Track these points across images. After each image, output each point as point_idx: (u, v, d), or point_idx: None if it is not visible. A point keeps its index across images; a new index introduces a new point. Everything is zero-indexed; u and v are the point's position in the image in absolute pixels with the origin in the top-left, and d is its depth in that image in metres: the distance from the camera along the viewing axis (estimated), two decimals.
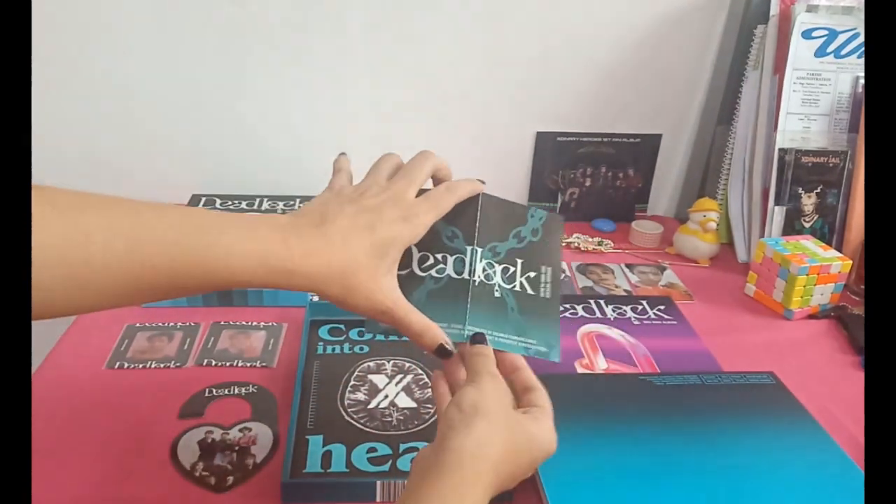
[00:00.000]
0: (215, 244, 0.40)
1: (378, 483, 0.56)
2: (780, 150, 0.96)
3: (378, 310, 0.47)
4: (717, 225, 0.99)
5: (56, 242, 0.34)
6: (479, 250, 0.54)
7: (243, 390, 0.69)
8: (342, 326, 0.79)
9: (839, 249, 0.94)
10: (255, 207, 1.04)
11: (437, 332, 0.49)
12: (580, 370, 0.72)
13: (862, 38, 0.96)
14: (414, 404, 0.66)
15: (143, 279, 0.38)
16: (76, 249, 0.35)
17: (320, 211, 0.47)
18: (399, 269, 0.49)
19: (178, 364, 0.72)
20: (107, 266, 0.37)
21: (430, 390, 0.68)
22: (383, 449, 0.60)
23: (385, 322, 0.48)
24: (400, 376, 0.71)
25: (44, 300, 0.34)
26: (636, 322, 0.82)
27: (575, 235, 1.07)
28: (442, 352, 0.49)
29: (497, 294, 0.54)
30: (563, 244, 1.05)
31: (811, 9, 0.95)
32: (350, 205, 0.47)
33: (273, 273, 0.42)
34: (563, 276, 0.96)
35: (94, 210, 0.37)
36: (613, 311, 0.84)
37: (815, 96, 0.97)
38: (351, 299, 0.45)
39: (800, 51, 0.95)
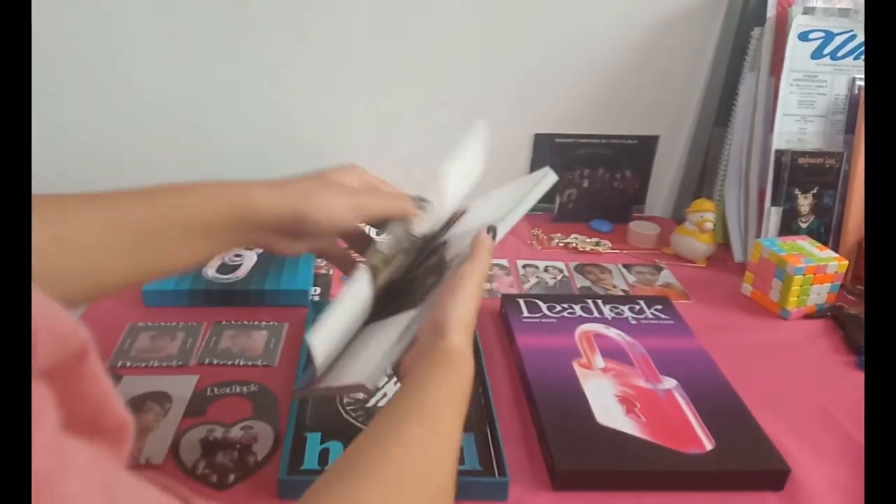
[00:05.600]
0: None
1: None
2: (777, 151, 0.97)
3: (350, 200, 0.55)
4: (714, 225, 1.00)
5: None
6: None
7: (245, 389, 0.69)
8: None
9: (835, 250, 0.94)
10: None
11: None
12: (578, 370, 0.72)
13: (858, 41, 0.97)
14: None
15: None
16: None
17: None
18: None
19: (180, 363, 0.73)
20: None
21: None
22: None
23: (355, 213, 0.56)
24: None
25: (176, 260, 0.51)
26: (633, 322, 0.82)
27: (573, 236, 1.07)
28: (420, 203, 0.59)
29: None
30: (558, 244, 1.06)
31: (808, 11, 0.96)
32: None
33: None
34: (561, 276, 0.96)
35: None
36: (611, 310, 0.84)
37: (811, 98, 0.98)
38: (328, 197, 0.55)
39: (796, 52, 0.96)
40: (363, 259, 0.58)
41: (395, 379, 0.70)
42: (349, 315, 0.55)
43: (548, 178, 0.63)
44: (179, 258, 0.52)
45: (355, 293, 0.55)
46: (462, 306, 0.51)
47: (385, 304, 0.58)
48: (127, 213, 0.49)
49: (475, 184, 0.68)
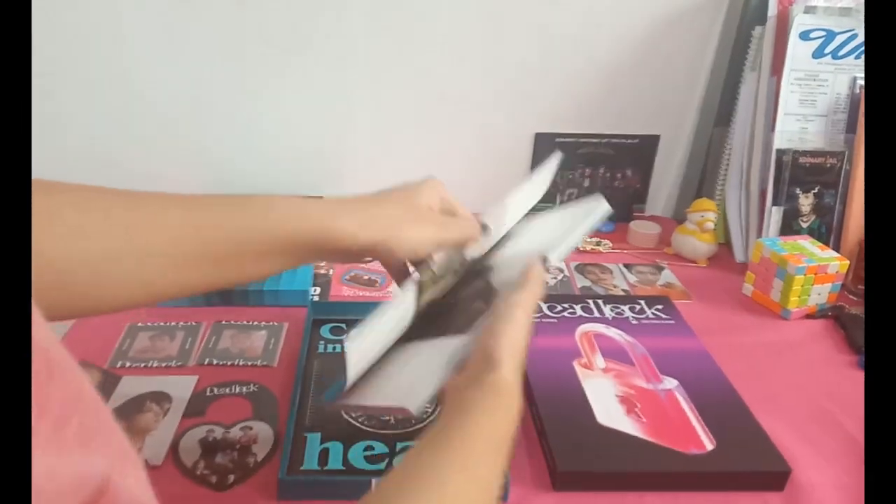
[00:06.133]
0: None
1: (374, 481, 0.56)
2: (778, 150, 0.96)
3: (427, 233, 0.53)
4: (715, 225, 1.00)
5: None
6: None
7: (244, 389, 0.69)
8: (344, 325, 0.79)
9: (836, 249, 0.94)
10: None
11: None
12: (579, 370, 0.72)
13: (859, 40, 0.96)
14: None
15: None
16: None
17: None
18: None
19: (179, 363, 0.73)
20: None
21: None
22: (380, 447, 0.61)
23: (435, 240, 0.54)
24: None
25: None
26: (634, 322, 0.82)
27: None
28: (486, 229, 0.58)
29: None
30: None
31: (809, 10, 0.95)
32: None
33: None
34: (562, 276, 0.96)
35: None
36: (612, 310, 0.84)
37: (812, 97, 0.98)
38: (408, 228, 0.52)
39: (797, 52, 0.96)
40: (415, 273, 0.56)
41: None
42: (389, 328, 0.54)
43: (601, 207, 0.62)
44: (248, 273, 0.50)
45: (400, 306, 0.53)
46: (513, 336, 0.48)
47: (425, 324, 0.57)
48: (201, 225, 0.47)
49: (530, 207, 0.67)
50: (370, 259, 0.56)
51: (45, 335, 0.24)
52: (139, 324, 0.79)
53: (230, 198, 0.50)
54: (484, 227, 0.58)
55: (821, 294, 0.88)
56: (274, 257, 0.50)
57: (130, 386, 0.68)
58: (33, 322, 0.23)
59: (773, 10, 0.98)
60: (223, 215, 0.48)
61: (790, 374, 0.77)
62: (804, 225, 0.99)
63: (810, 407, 0.72)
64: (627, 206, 1.16)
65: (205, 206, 0.49)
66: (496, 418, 0.44)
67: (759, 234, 0.99)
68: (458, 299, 0.58)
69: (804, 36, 0.96)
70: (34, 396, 0.21)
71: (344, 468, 0.59)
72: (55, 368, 0.23)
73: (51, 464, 0.21)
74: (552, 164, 0.66)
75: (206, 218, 0.48)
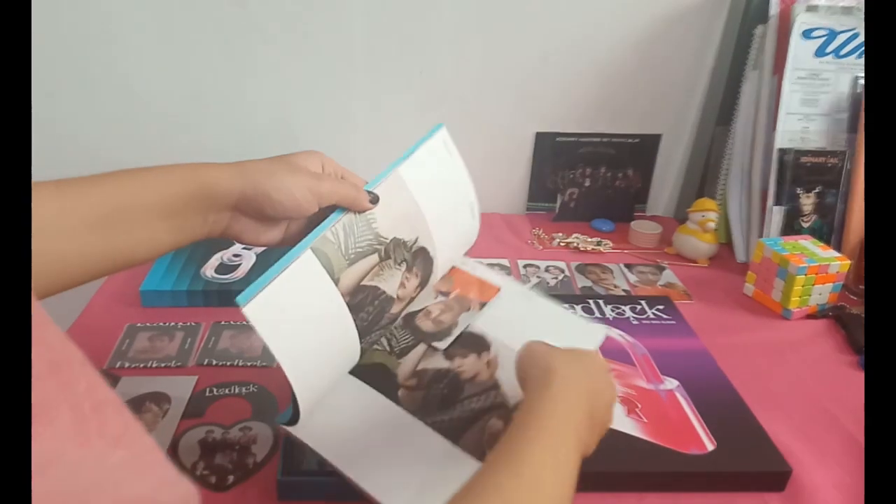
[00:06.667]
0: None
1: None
2: (780, 150, 0.96)
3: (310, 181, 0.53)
4: (716, 225, 0.99)
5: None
6: None
7: (244, 390, 0.69)
8: None
9: (838, 249, 0.94)
10: None
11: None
12: None
13: (861, 39, 0.96)
14: None
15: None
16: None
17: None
18: None
19: (178, 364, 0.73)
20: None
21: None
22: None
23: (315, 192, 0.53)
24: None
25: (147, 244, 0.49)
26: (635, 322, 0.82)
27: (574, 235, 1.07)
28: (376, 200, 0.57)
29: None
30: (559, 244, 1.05)
31: (811, 9, 0.95)
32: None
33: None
34: (562, 276, 0.96)
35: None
36: (612, 310, 0.84)
37: (814, 96, 0.98)
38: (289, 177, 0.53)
39: (799, 51, 0.96)
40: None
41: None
42: (306, 302, 0.51)
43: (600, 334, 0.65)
44: (141, 243, 0.50)
45: (302, 270, 0.50)
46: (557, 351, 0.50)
47: (420, 394, 0.56)
48: (82, 198, 0.48)
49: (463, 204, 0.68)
50: (274, 244, 0.55)
51: (51, 331, 0.24)
52: (138, 324, 0.79)
53: (106, 172, 0.51)
54: (373, 197, 0.57)
55: (822, 294, 0.88)
56: (158, 218, 0.50)
57: (129, 386, 0.68)
58: (40, 323, 0.23)
59: (774, 8, 0.97)
60: (97, 186, 0.49)
61: (791, 375, 0.77)
62: (805, 225, 0.98)
63: (811, 407, 0.71)
64: (628, 205, 1.16)
65: (80, 181, 0.49)
66: (539, 415, 0.45)
67: (761, 234, 0.99)
68: (463, 388, 0.56)
69: (806, 35, 0.95)
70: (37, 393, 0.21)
71: None
72: (63, 368, 0.23)
73: (79, 455, 0.21)
74: (438, 137, 0.69)
75: (83, 191, 0.48)
